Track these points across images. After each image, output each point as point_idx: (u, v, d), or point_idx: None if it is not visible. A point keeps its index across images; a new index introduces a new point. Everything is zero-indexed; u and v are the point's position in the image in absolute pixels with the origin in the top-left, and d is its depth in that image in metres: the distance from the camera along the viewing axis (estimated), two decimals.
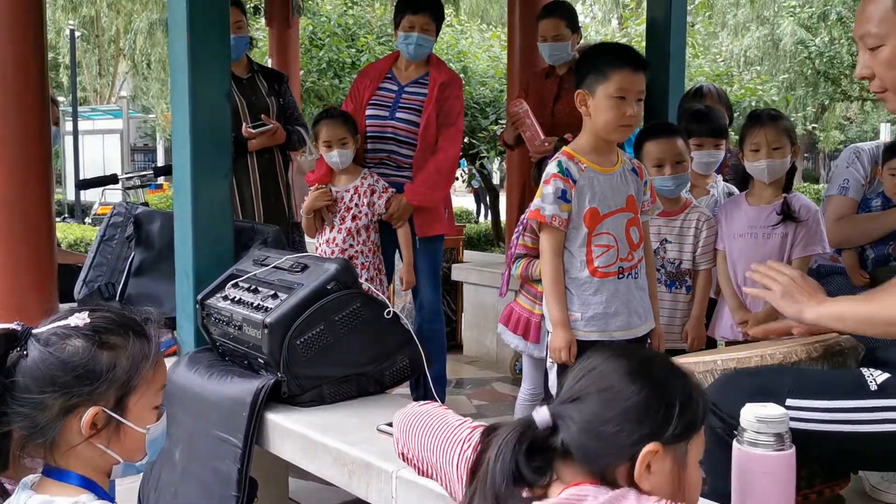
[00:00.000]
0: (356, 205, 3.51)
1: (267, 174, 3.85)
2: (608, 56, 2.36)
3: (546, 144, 3.67)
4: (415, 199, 3.57)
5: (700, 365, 1.91)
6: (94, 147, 19.60)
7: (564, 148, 2.49)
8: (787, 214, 2.69)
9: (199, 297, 2.51)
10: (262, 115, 3.79)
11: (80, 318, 1.30)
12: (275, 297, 2.27)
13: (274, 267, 2.40)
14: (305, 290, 2.20)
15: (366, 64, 8.09)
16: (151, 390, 1.40)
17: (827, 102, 18.75)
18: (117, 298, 2.77)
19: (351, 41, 8.62)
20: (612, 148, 2.47)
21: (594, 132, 2.40)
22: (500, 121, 7.93)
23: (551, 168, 2.40)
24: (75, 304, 3.13)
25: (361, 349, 2.24)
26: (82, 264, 3.72)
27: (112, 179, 3.40)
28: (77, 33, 18.74)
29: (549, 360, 2.60)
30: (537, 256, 2.93)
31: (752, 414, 1.29)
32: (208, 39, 2.57)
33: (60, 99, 16.88)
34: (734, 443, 1.34)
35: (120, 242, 2.85)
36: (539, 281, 2.73)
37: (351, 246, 3.50)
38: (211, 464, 2.20)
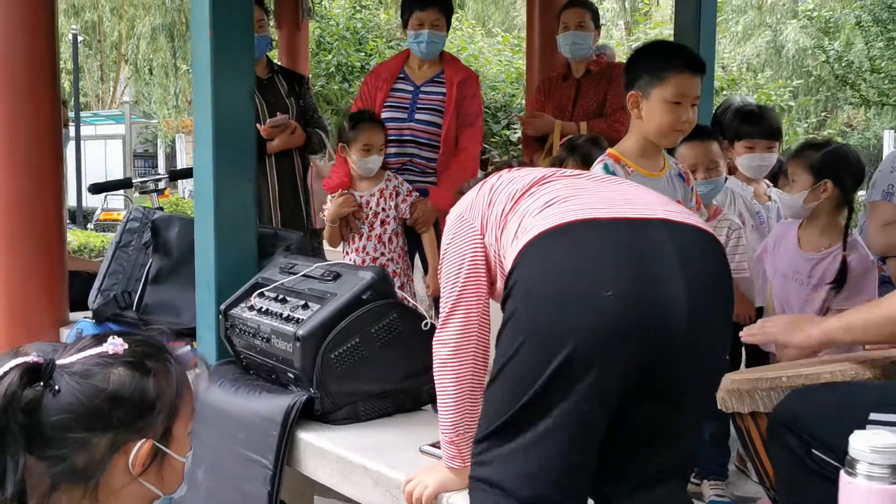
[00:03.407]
0: (383, 209, 3.36)
1: (285, 178, 3.72)
2: (665, 57, 2.22)
3: None
4: (442, 203, 3.43)
5: (763, 382, 1.77)
6: (96, 152, 19.48)
7: (610, 150, 2.37)
8: (843, 276, 2.36)
9: (222, 307, 2.38)
10: (278, 114, 3.65)
11: (118, 345, 1.16)
12: (306, 307, 2.14)
13: (303, 275, 2.26)
14: (340, 300, 2.07)
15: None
16: (188, 414, 1.26)
17: (830, 108, 18.64)
18: (134, 308, 2.63)
19: (359, 45, 8.51)
20: (658, 151, 2.34)
21: (644, 135, 2.26)
22: (511, 125, 7.81)
23: (596, 170, 2.27)
24: (88, 313, 3.00)
25: (398, 363, 2.10)
26: (93, 271, 3.59)
27: (126, 183, 3.27)
28: (80, 38, 18.65)
29: None
30: None
31: (865, 443, 1.16)
32: (232, 36, 2.44)
33: None
34: (842, 475, 1.21)
35: (136, 249, 2.72)
36: None
37: (382, 254, 3.35)
38: (238, 485, 2.07)
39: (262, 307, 2.25)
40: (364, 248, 3.38)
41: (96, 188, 3.38)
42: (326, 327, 2.02)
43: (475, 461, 1.50)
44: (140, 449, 1.14)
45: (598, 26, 3.84)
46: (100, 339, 1.20)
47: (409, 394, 2.16)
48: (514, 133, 7.68)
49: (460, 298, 1.65)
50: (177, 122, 23.95)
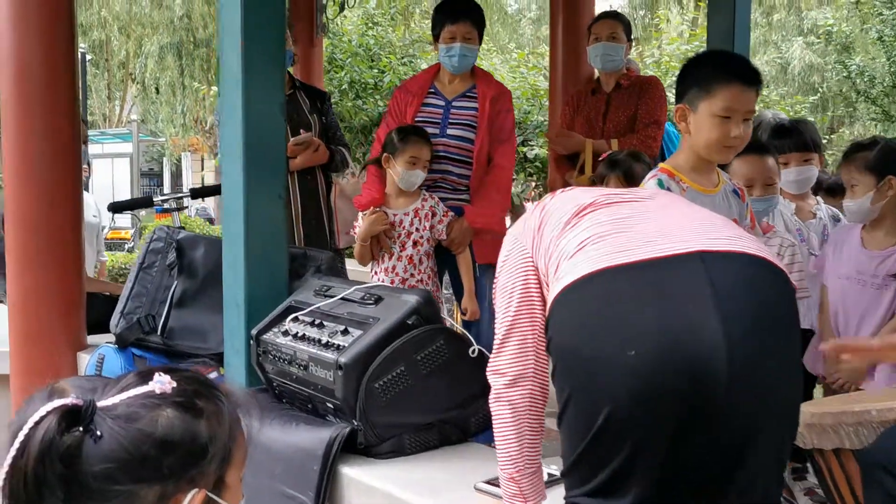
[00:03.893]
0: (417, 229, 3.24)
1: (309, 196, 3.60)
2: (714, 68, 2.09)
3: None
4: (477, 222, 3.32)
5: (848, 416, 1.64)
6: (104, 171, 19.40)
7: (662, 164, 2.24)
8: None
9: (254, 331, 2.25)
10: (301, 131, 3.54)
11: (165, 383, 1.02)
12: (346, 333, 2.01)
13: (342, 299, 2.13)
14: (383, 326, 1.93)
15: (389, 85, 7.88)
16: (242, 459, 1.13)
17: (837, 125, 18.53)
18: (158, 332, 2.50)
19: (371, 62, 8.42)
20: (712, 167, 2.21)
21: (694, 150, 2.14)
22: (527, 142, 7.69)
23: (649, 185, 2.14)
24: (107, 337, 2.88)
25: (445, 392, 1.97)
26: (112, 293, 3.47)
27: (147, 202, 3.15)
28: (87, 57, 18.65)
29: None
30: None
31: None
32: (264, 45, 2.33)
33: None
34: None
35: (161, 270, 2.59)
36: None
37: (412, 275, 3.23)
38: None
39: (297, 332, 2.12)
40: (394, 268, 3.26)
41: (116, 207, 3.26)
42: (370, 354, 1.89)
43: (567, 498, 1.39)
44: (192, 501, 1.01)
45: (630, 39, 3.73)
46: (144, 377, 1.06)
47: (456, 425, 2.02)
48: (531, 150, 7.56)
49: (514, 325, 1.53)
50: (183, 140, 23.94)
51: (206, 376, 1.13)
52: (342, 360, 1.89)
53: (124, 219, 14.38)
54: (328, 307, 2.14)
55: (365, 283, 2.19)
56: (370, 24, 8.96)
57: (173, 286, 2.57)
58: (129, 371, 1.10)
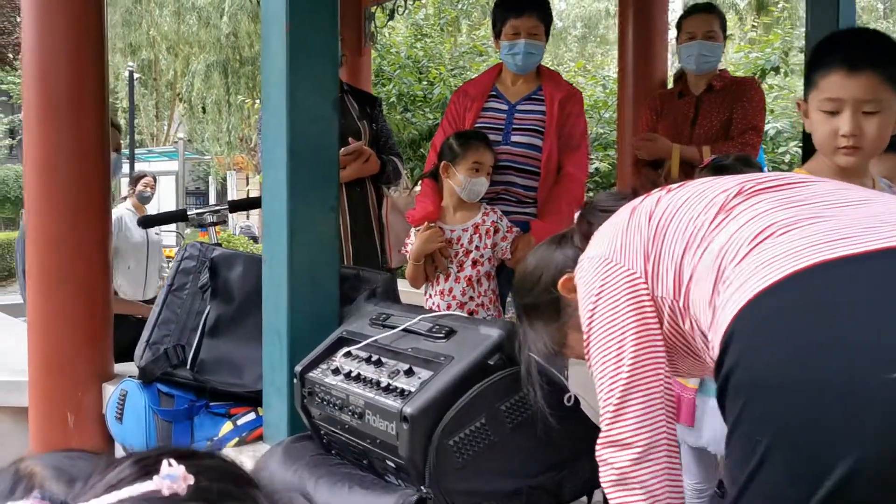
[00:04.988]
0: (477, 247, 2.88)
1: (358, 210, 3.25)
2: (821, 51, 1.72)
3: None
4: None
5: None
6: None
7: (798, 169, 1.85)
8: None
9: (299, 368, 1.88)
10: (350, 139, 3.20)
11: (176, 479, 0.65)
12: (410, 373, 1.63)
13: (404, 330, 1.76)
14: (459, 367, 1.55)
15: (439, 97, 7.55)
16: None
17: None
18: (188, 365, 2.15)
19: (420, 74, 8.11)
20: (858, 171, 1.80)
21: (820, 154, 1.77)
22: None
23: None
24: (134, 367, 2.54)
25: (535, 451, 1.58)
26: (143, 316, 3.15)
27: (180, 216, 2.83)
28: (136, 76, 18.74)
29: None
30: None
31: None
32: (314, 32, 1.98)
33: None
34: None
35: (192, 293, 2.25)
36: None
37: (471, 298, 2.87)
38: None
39: (350, 371, 1.75)
40: (450, 290, 2.90)
41: (146, 221, 2.95)
42: (442, 403, 1.51)
43: None
44: None
45: (726, 36, 3.33)
46: (146, 467, 0.69)
47: (548, 491, 1.62)
48: (591, 164, 7.16)
49: (634, 377, 1.14)
50: (229, 159, 23.99)
51: (237, 464, 0.75)
52: (408, 409, 1.51)
53: (170, 236, 14.29)
54: (388, 341, 1.77)
55: (432, 311, 1.81)
56: (418, 36, 8.67)
57: (206, 312, 2.22)
58: (128, 455, 0.73)
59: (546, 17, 3.10)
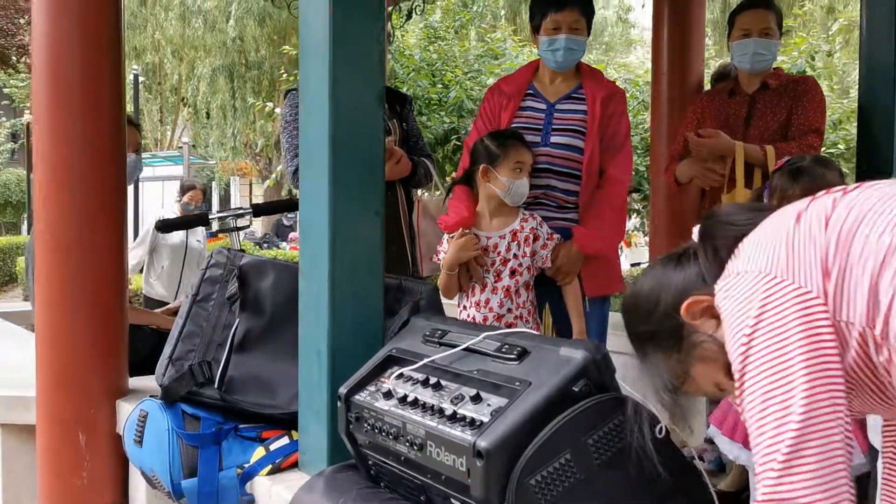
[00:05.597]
0: (515, 255, 2.68)
1: (389, 216, 3.00)
2: None
3: None
4: (589, 247, 2.75)
5: None
6: (153, 193, 19.31)
7: None
8: None
9: (344, 389, 1.68)
10: None
11: None
12: (477, 399, 1.43)
13: (467, 350, 1.56)
14: (539, 394, 1.35)
15: (455, 101, 7.36)
16: None
17: None
18: (216, 384, 1.95)
19: (433, 77, 7.92)
20: None
21: None
22: None
23: None
24: (147, 379, 2.35)
25: (626, 490, 1.37)
26: (158, 326, 2.96)
27: (201, 220, 2.63)
28: (140, 79, 18.58)
29: None
30: None
31: None
32: (360, 12, 1.79)
33: None
34: None
35: (219, 305, 2.05)
36: None
37: (509, 310, 2.67)
38: None
39: (404, 395, 1.55)
40: (487, 302, 2.70)
41: (165, 225, 2.75)
42: (522, 436, 1.31)
43: None
44: None
45: (782, 33, 3.12)
46: None
47: None
48: None
49: (807, 428, 0.93)
50: (232, 164, 23.81)
51: None
52: (483, 443, 1.31)
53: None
54: (447, 361, 1.57)
55: (497, 327, 1.60)
56: (432, 39, 8.48)
57: (234, 325, 2.02)
58: None
59: (588, 10, 2.91)
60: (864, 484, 2.04)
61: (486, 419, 1.37)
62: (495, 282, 2.70)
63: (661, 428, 1.41)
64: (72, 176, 2.52)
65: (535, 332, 1.54)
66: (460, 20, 8.81)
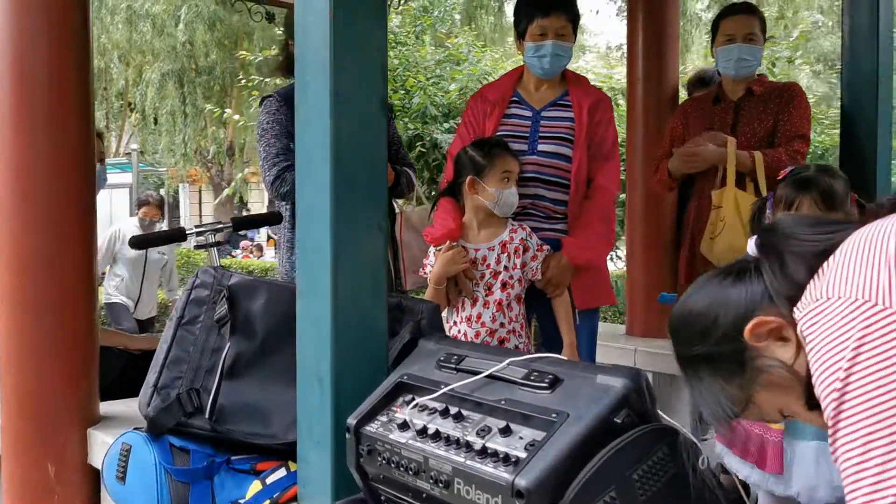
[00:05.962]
0: (506, 267, 2.60)
1: None
2: None
3: None
4: (580, 258, 2.69)
5: None
6: (102, 202, 18.77)
7: None
8: None
9: (353, 420, 1.56)
10: None
11: None
12: (507, 432, 1.33)
13: (490, 377, 1.45)
14: (579, 427, 1.25)
15: (418, 107, 7.25)
16: None
17: None
18: (206, 414, 1.82)
19: (394, 83, 7.80)
20: None
21: None
22: None
23: None
24: (126, 406, 2.20)
25: None
26: (126, 347, 2.79)
27: (178, 236, 2.47)
28: None
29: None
30: None
31: None
32: (360, 15, 1.67)
33: None
34: None
35: (206, 328, 1.91)
36: None
37: (502, 325, 2.58)
38: None
39: (423, 426, 1.44)
40: (478, 316, 2.61)
41: (139, 242, 2.59)
42: (564, 473, 1.21)
43: None
44: None
45: (766, 38, 3.11)
46: None
47: None
48: None
49: None
50: (182, 171, 23.35)
51: None
52: (522, 482, 1.20)
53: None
54: (468, 389, 1.46)
55: (520, 353, 1.50)
56: (392, 45, 8.35)
57: (224, 349, 1.88)
58: None
59: (574, 16, 2.84)
60: None
61: (521, 454, 1.27)
62: (486, 295, 2.61)
63: (704, 459, 1.32)
64: (36, 190, 2.35)
65: (562, 358, 1.44)
66: (420, 25, 8.71)
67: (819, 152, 6.67)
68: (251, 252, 18.67)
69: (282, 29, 5.29)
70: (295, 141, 1.78)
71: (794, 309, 1.00)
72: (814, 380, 0.94)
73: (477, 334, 2.59)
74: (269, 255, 18.27)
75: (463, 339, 2.60)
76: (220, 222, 2.44)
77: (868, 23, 3.14)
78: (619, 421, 1.26)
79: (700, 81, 4.12)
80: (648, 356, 3.83)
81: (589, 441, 1.24)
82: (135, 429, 1.86)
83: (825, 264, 0.99)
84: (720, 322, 1.08)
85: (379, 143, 1.73)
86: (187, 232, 2.44)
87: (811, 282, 1.00)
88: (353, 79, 1.67)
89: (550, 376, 1.37)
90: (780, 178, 2.13)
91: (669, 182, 3.20)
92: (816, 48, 13.53)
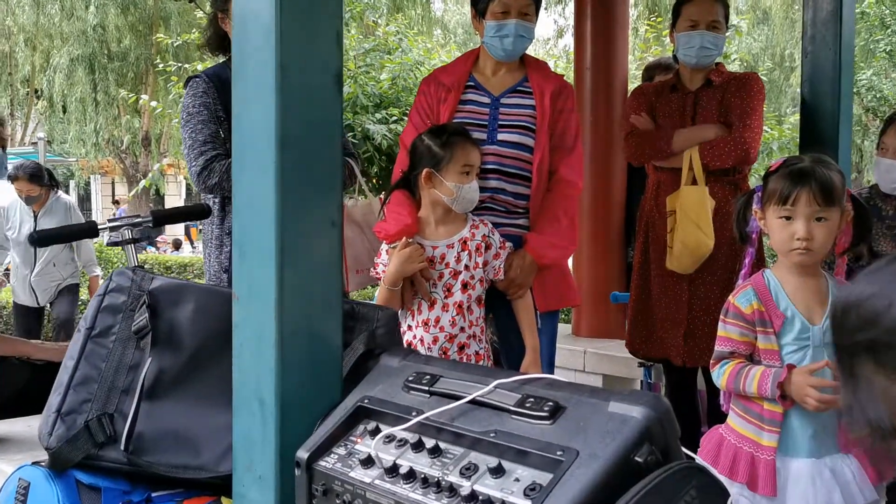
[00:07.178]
0: (466, 267, 2.37)
1: None
2: None
3: None
4: (545, 257, 2.48)
5: None
6: (5, 194, 17.77)
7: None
8: None
9: (304, 454, 1.30)
10: None
11: None
12: (499, 472, 1.10)
13: (474, 402, 1.21)
14: (594, 469, 1.03)
15: (349, 96, 6.96)
16: None
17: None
18: (121, 444, 1.52)
19: None
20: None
21: None
22: None
23: None
24: (20, 429, 1.88)
25: None
26: (29, 357, 2.45)
27: (89, 231, 2.15)
28: None
29: None
30: (751, 357, 1.90)
31: None
32: None
33: None
34: None
35: (122, 340, 1.61)
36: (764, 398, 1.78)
37: (462, 329, 2.36)
38: None
39: (394, 463, 1.19)
40: (437, 320, 2.38)
41: (43, 239, 2.25)
42: None
43: None
44: None
45: (728, 26, 2.96)
46: None
47: None
48: None
49: None
50: (94, 162, 22.35)
51: None
52: None
53: None
54: (446, 417, 1.22)
55: (512, 373, 1.27)
56: None
57: (144, 366, 1.59)
58: None
59: None
60: None
61: (520, 502, 1.03)
62: (445, 297, 2.38)
63: (729, 500, 1.12)
64: None
65: (560, 380, 1.21)
66: (350, 12, 8.40)
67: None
68: (168, 247, 17.86)
69: (205, 11, 4.94)
70: (231, 123, 1.50)
71: None
72: None
73: (435, 340, 2.36)
74: (188, 251, 17.56)
75: (420, 344, 2.36)
76: (137, 216, 2.12)
77: (830, 12, 3.04)
78: (640, 460, 1.04)
79: (658, 66, 3.97)
80: (598, 358, 3.67)
81: (606, 486, 1.01)
82: (34, 463, 1.55)
83: None
84: (893, 308, 0.85)
85: (333, 123, 1.47)
86: (100, 227, 2.12)
87: None
88: (303, 48, 1.41)
89: (550, 403, 1.14)
90: (771, 169, 1.96)
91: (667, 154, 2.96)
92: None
